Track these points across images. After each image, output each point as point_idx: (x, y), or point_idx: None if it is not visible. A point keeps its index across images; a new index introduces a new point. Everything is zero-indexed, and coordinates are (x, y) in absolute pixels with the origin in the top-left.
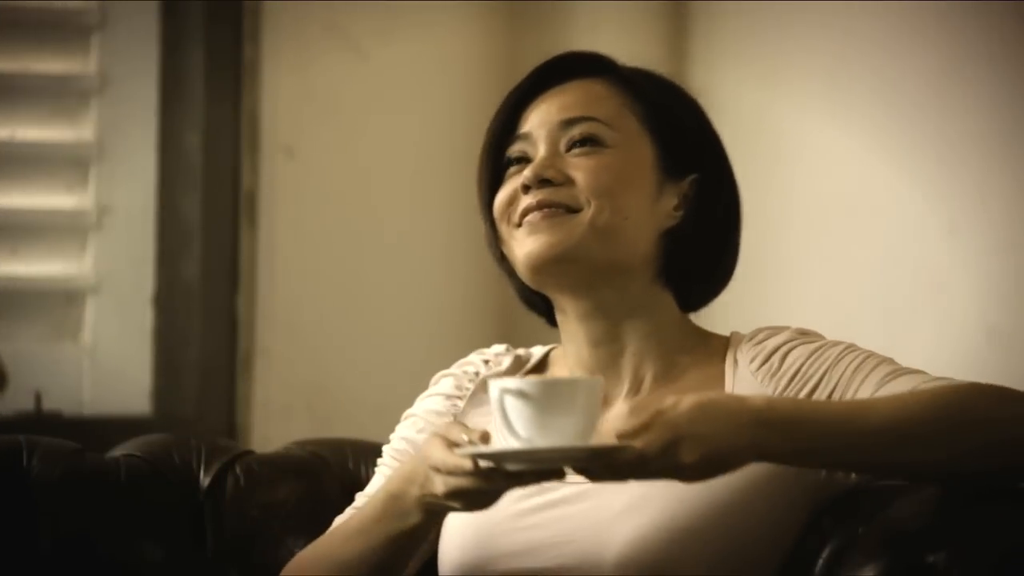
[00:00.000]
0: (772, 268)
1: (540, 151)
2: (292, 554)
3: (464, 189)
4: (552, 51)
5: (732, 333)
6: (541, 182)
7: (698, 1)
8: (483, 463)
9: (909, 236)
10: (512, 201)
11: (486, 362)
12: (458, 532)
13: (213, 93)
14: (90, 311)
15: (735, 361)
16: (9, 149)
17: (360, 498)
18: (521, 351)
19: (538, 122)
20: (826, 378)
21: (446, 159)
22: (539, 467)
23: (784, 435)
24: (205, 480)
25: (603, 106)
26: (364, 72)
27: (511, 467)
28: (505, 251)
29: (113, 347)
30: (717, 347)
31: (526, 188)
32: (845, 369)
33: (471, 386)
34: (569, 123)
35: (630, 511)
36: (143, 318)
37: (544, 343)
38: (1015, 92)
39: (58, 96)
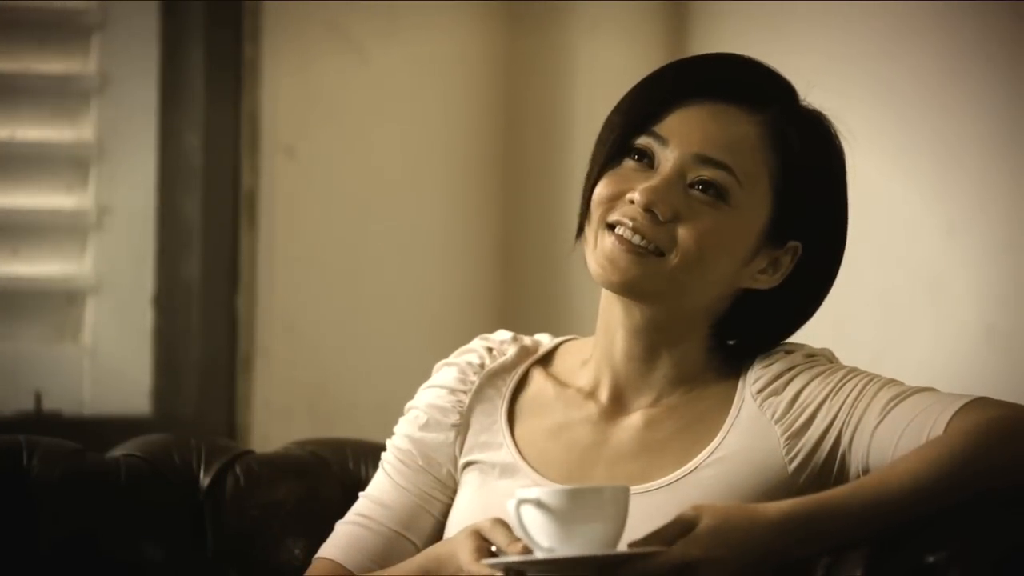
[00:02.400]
0: None
1: (663, 169)
2: (292, 554)
3: (464, 189)
4: (551, 51)
5: None
6: (647, 211)
7: (698, 1)
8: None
9: (907, 236)
10: (614, 198)
11: (490, 350)
12: None
13: (213, 93)
14: (90, 311)
15: (745, 381)
16: (9, 149)
17: (362, 498)
18: (527, 340)
19: (678, 136)
20: (826, 406)
21: (446, 159)
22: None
23: (804, 539)
24: (205, 480)
25: (745, 158)
26: (364, 72)
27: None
28: (587, 228)
29: (113, 347)
30: (738, 363)
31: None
32: (847, 397)
33: (476, 379)
34: (704, 160)
35: None
36: (143, 318)
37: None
38: (1014, 92)
39: (58, 96)
